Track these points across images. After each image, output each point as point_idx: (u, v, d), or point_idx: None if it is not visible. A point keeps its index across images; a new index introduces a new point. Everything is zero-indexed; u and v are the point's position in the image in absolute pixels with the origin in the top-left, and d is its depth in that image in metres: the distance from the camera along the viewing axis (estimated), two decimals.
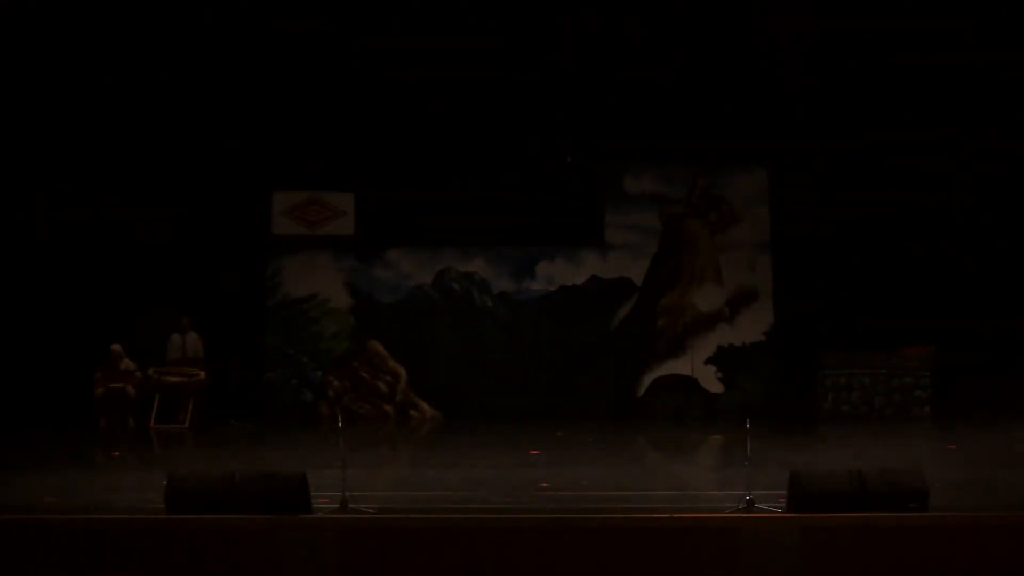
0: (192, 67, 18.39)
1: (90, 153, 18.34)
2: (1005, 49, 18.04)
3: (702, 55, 18.55)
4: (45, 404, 17.36)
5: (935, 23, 18.04)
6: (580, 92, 18.72)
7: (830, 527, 9.92)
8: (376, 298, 19.20)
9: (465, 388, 18.85)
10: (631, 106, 18.73)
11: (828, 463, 11.57)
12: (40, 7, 17.74)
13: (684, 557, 9.77)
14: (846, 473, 10.42)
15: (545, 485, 12.20)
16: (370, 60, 18.55)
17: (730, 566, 9.77)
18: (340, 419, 11.49)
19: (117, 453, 14.93)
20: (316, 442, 15.51)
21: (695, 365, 19.08)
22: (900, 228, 18.56)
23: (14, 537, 9.92)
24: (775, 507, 10.32)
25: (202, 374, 17.88)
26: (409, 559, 9.82)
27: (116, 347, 17.42)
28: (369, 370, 18.98)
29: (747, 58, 18.52)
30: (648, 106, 18.69)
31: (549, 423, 17.02)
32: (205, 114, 18.52)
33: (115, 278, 18.30)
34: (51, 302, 18.17)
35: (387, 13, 18.44)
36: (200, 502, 10.21)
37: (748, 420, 10.64)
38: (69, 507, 11.00)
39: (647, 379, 19.09)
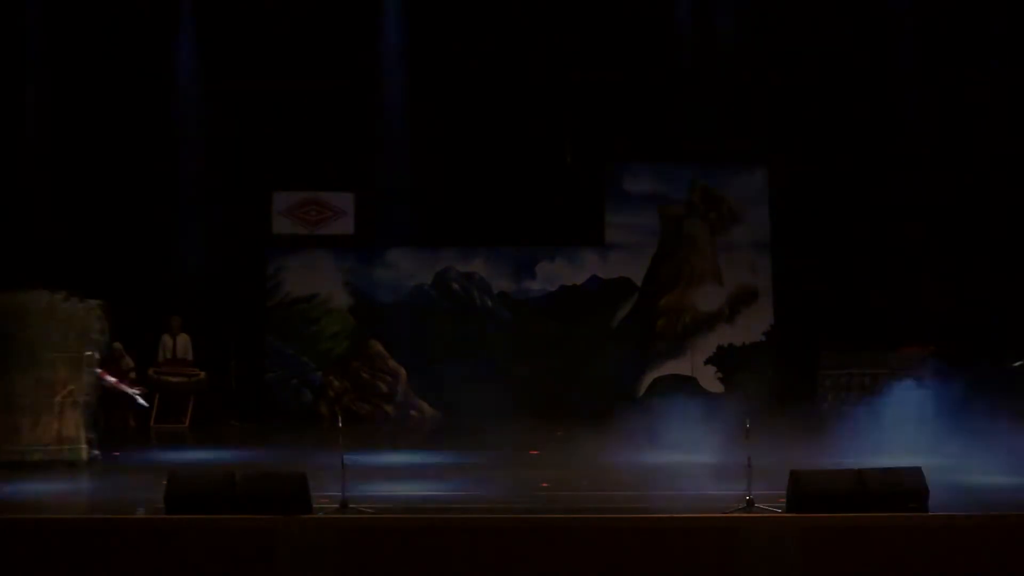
0: (192, 66, 18.38)
1: (90, 152, 18.33)
2: (1004, 47, 18.05)
3: (702, 55, 18.55)
4: None
5: (934, 22, 18.08)
6: (580, 92, 18.72)
7: (830, 527, 9.91)
8: (376, 298, 19.20)
9: (465, 388, 18.83)
10: (631, 106, 18.74)
11: (828, 463, 11.56)
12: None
13: (684, 557, 9.77)
14: (846, 473, 10.43)
15: (545, 485, 12.20)
16: (369, 60, 18.55)
17: (730, 566, 9.77)
18: (340, 419, 11.49)
19: (117, 453, 14.92)
20: (316, 442, 15.50)
21: (695, 365, 19.10)
22: (900, 227, 18.55)
23: (14, 537, 9.92)
24: (775, 507, 10.32)
25: (202, 374, 17.89)
26: (409, 559, 9.81)
27: (117, 345, 17.40)
28: (369, 370, 18.98)
29: (747, 58, 18.52)
30: (648, 106, 18.70)
31: (549, 423, 17.01)
32: (205, 113, 18.52)
33: (114, 277, 18.28)
34: None
35: (386, 13, 18.44)
36: (200, 502, 10.21)
37: (748, 420, 10.65)
38: (69, 507, 11.00)
39: (647, 379, 19.10)
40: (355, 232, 19.09)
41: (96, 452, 14.13)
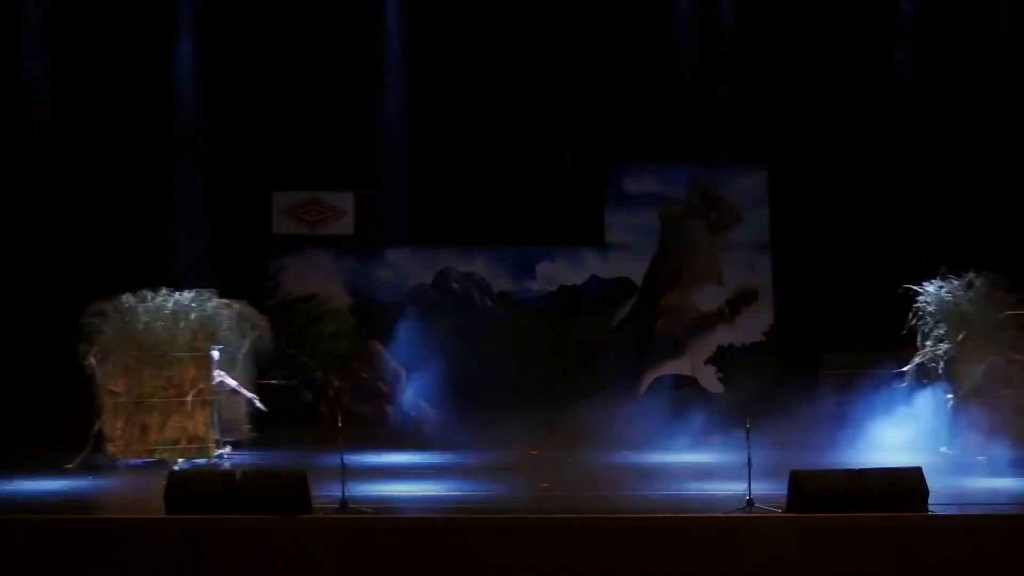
0: (192, 66, 18.38)
1: (90, 151, 18.33)
2: (1006, 49, 18.06)
3: (702, 55, 18.55)
4: (45, 404, 17.31)
5: (932, 22, 18.10)
6: (580, 92, 18.71)
7: (830, 527, 9.92)
8: (376, 298, 19.19)
9: (465, 388, 18.81)
10: (631, 106, 18.74)
11: (828, 463, 11.58)
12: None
13: (684, 557, 9.78)
14: (846, 473, 10.45)
15: (545, 485, 12.20)
16: (369, 60, 18.55)
17: (730, 566, 9.78)
18: (340, 419, 11.52)
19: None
20: (316, 442, 15.51)
21: (695, 365, 19.08)
22: (900, 227, 18.54)
23: (14, 537, 9.93)
24: (775, 507, 10.33)
25: None
26: (409, 559, 9.82)
27: None
28: (369, 370, 18.97)
29: (747, 58, 18.52)
30: (648, 106, 18.69)
31: (549, 423, 17.00)
32: (206, 113, 18.51)
33: (115, 277, 18.26)
34: (51, 301, 18.14)
35: (386, 13, 18.45)
36: (200, 502, 10.22)
37: (748, 420, 10.66)
38: (69, 507, 11.01)
39: (647, 379, 19.10)
40: (355, 232, 19.09)
41: (222, 451, 14.19)
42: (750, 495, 10.33)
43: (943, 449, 13.82)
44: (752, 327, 19.16)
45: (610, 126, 18.88)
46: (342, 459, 10.57)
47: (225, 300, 14.92)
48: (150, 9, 18.20)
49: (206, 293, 14.80)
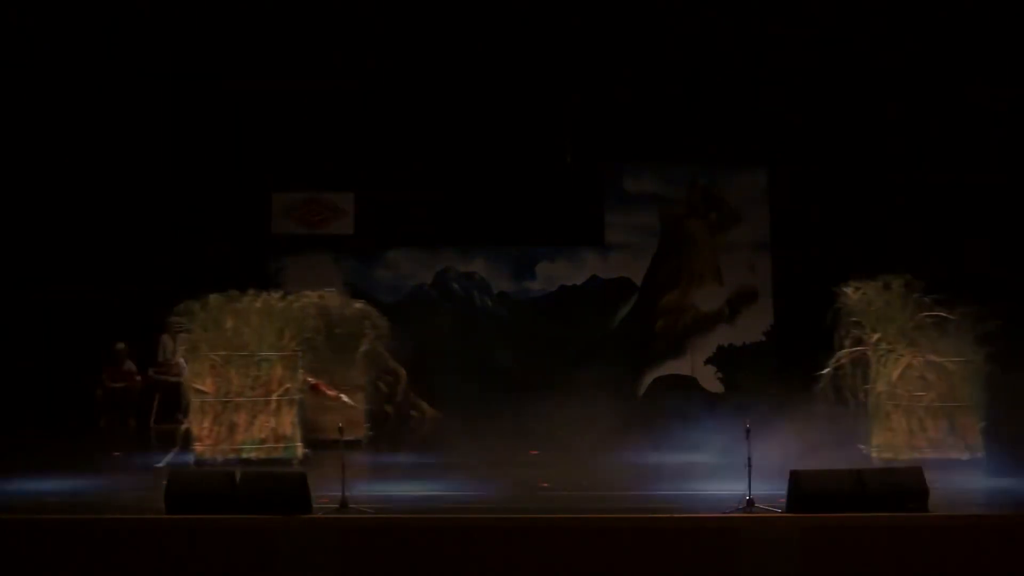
0: (192, 66, 18.39)
1: (91, 152, 18.34)
2: (1006, 48, 18.07)
3: (702, 55, 18.56)
4: (45, 404, 17.33)
5: (931, 22, 18.11)
6: (580, 92, 18.72)
7: (830, 527, 9.92)
8: (376, 298, 19.16)
9: (465, 388, 18.81)
10: (631, 106, 18.74)
11: (828, 463, 11.57)
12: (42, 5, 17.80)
13: (684, 557, 9.78)
14: (846, 473, 10.45)
15: (545, 485, 12.20)
16: (370, 60, 18.55)
17: (730, 566, 9.78)
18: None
19: (117, 453, 14.92)
20: (316, 442, 15.50)
21: (695, 365, 19.08)
22: (900, 228, 18.55)
23: (14, 537, 9.93)
24: (775, 507, 10.33)
25: None
26: (409, 559, 9.82)
27: (121, 345, 17.38)
28: (369, 370, 18.94)
29: (747, 58, 18.53)
30: (648, 106, 18.70)
31: (549, 423, 16.99)
32: (206, 113, 18.52)
33: (115, 278, 18.29)
34: (51, 302, 18.16)
35: (387, 13, 18.46)
36: (200, 502, 10.22)
37: (748, 420, 10.66)
38: (69, 507, 11.00)
39: (647, 379, 19.09)
40: (355, 232, 19.09)
41: (308, 451, 14.21)
42: (750, 495, 10.32)
43: (863, 448, 13.84)
44: (752, 327, 19.17)
45: (610, 126, 18.89)
46: (342, 459, 10.56)
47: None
48: (151, 7, 18.21)
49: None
